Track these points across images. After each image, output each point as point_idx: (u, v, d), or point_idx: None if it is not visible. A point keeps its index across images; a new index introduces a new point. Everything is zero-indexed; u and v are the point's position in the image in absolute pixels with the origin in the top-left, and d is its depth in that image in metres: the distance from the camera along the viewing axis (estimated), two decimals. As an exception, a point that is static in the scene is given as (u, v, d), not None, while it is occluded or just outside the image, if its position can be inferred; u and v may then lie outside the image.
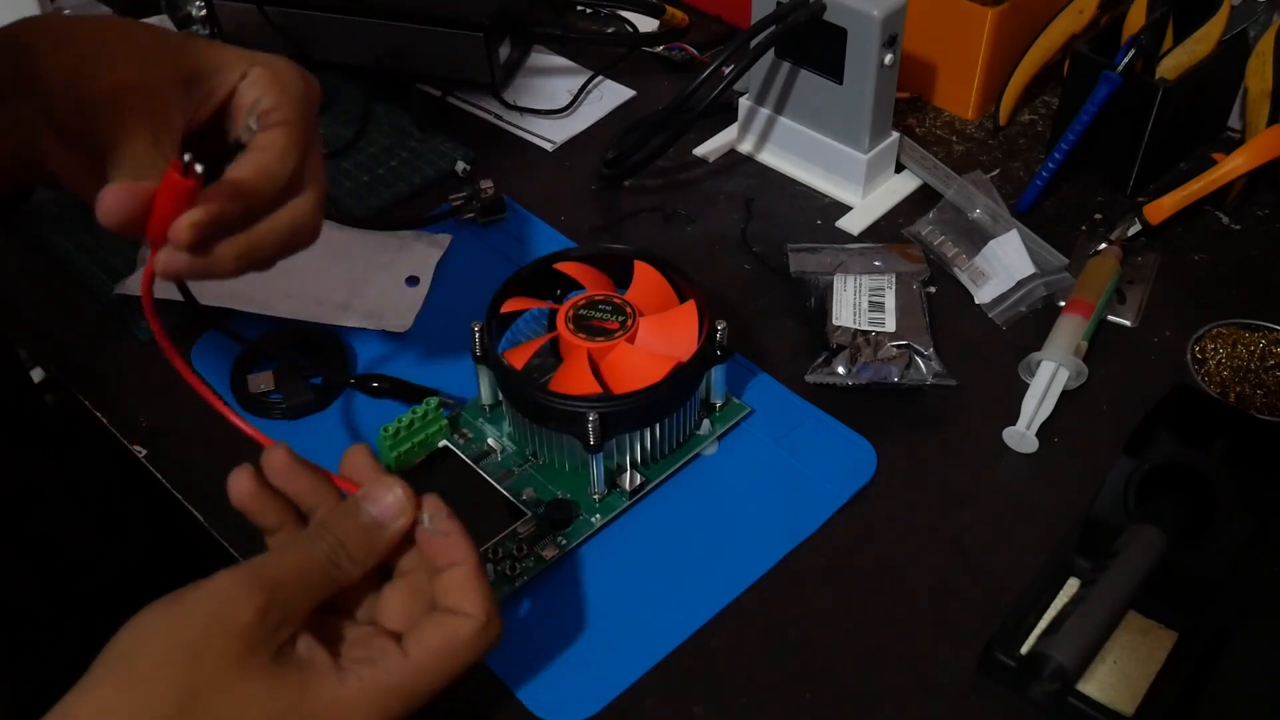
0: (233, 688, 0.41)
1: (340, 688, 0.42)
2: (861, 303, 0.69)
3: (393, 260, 0.75)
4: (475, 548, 0.47)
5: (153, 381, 0.69)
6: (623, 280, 0.66)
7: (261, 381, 0.67)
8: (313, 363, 0.68)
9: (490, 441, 0.63)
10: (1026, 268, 0.72)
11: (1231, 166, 0.75)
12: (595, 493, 0.60)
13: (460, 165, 0.83)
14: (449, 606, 0.45)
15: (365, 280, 0.73)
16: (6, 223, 0.80)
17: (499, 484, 0.61)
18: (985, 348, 0.70)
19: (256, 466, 0.48)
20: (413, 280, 0.74)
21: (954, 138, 0.87)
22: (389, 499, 0.47)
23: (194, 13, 0.96)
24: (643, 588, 0.58)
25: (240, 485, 0.47)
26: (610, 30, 0.98)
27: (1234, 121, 0.85)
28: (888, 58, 0.73)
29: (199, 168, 0.45)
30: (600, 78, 0.92)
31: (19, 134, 0.50)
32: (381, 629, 0.46)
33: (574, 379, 0.60)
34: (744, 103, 0.84)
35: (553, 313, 0.65)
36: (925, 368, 0.66)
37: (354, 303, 0.72)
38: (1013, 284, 0.72)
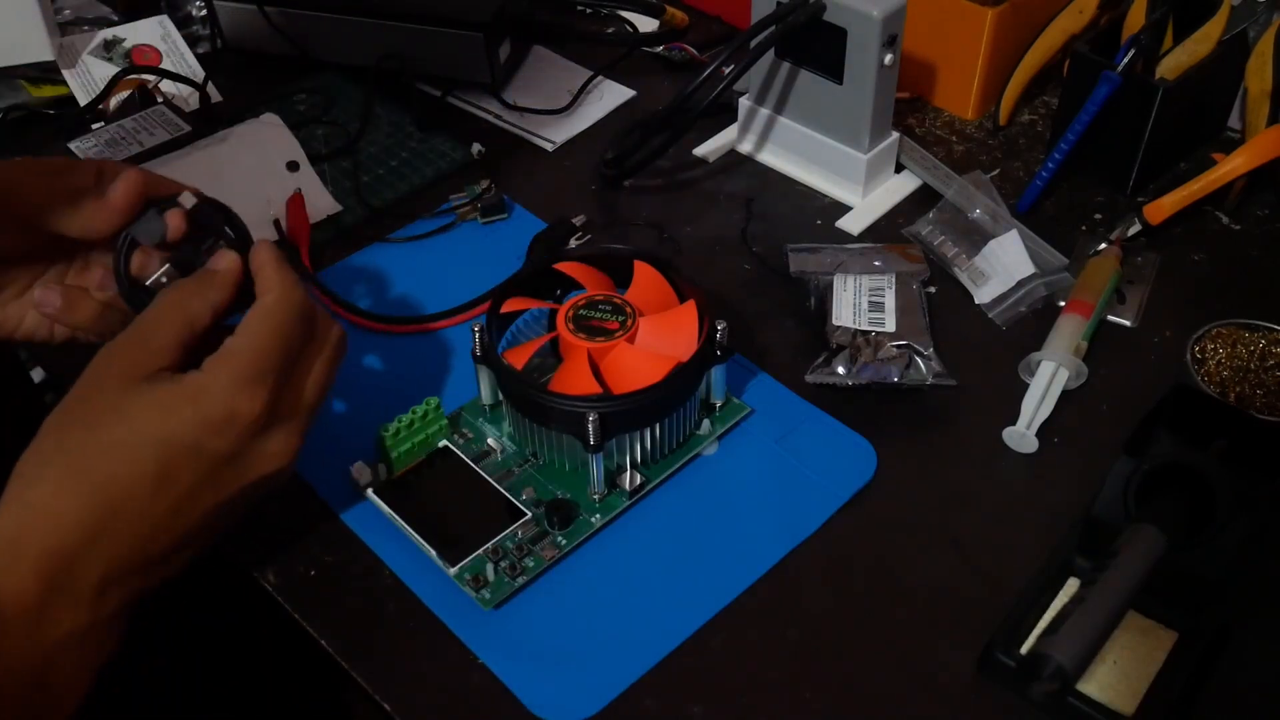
0: (116, 406, 0.49)
1: (199, 373, 0.51)
2: (861, 303, 0.69)
3: (255, 158, 0.80)
4: (279, 255, 0.56)
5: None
6: (623, 280, 0.66)
7: (164, 278, 0.58)
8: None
9: (490, 441, 0.63)
10: (1026, 268, 0.72)
11: (1231, 166, 0.75)
12: (595, 493, 0.60)
13: (476, 147, 0.83)
14: (259, 294, 0.54)
15: (252, 190, 0.76)
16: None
17: (499, 484, 0.61)
18: (985, 348, 0.70)
19: None
20: (293, 165, 0.80)
21: (954, 138, 0.87)
22: (223, 256, 0.56)
23: (194, 13, 0.96)
24: (643, 588, 0.58)
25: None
26: (610, 30, 0.98)
27: (1234, 121, 0.85)
28: (888, 58, 0.73)
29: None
30: (600, 78, 0.92)
31: None
32: None
33: (574, 379, 0.60)
34: (744, 103, 0.84)
35: (553, 313, 0.65)
36: (925, 368, 0.66)
37: (266, 214, 0.75)
38: (1013, 284, 0.72)
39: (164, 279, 0.57)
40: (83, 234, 0.57)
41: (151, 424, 0.49)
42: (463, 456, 0.62)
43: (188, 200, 0.57)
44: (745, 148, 0.86)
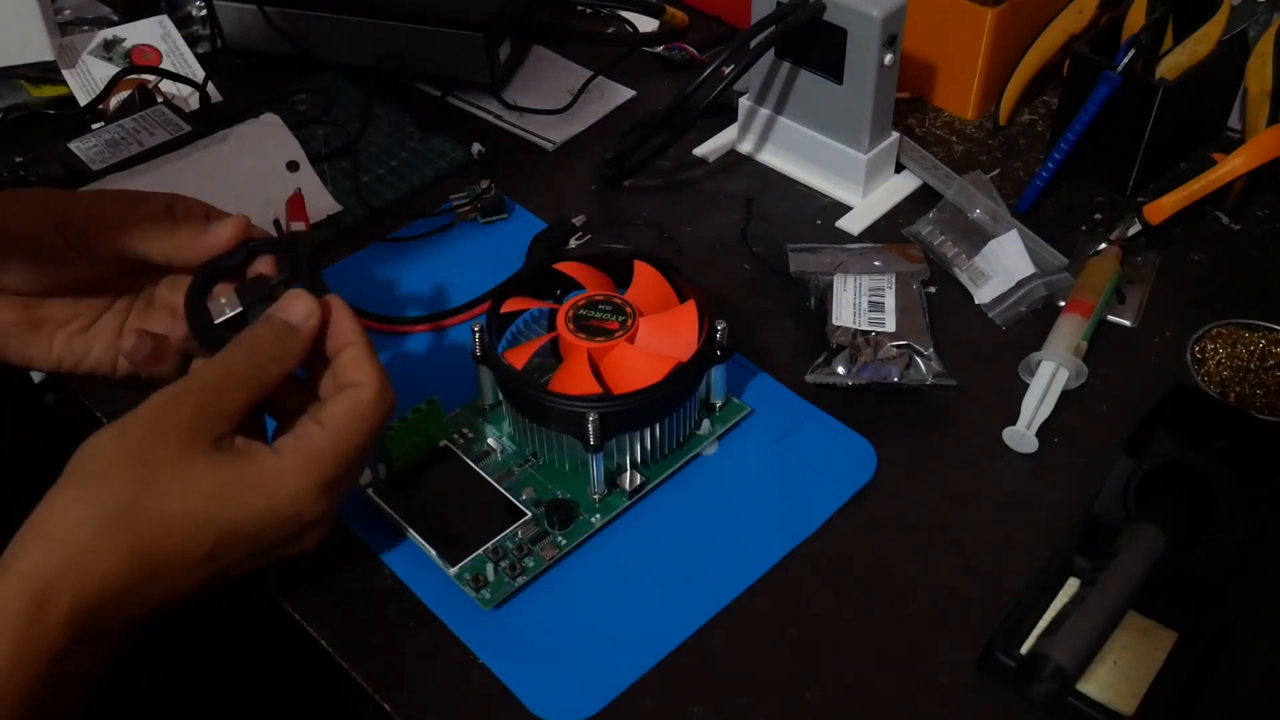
0: (181, 467, 0.47)
1: (276, 458, 0.49)
2: (861, 303, 0.69)
3: (255, 158, 0.81)
4: (362, 329, 0.53)
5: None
6: (623, 280, 0.66)
7: (226, 308, 0.56)
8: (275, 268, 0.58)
9: (490, 441, 0.63)
10: (1026, 268, 0.72)
11: (1231, 166, 0.75)
12: (595, 493, 0.60)
13: (476, 147, 0.83)
14: (348, 381, 0.52)
15: (252, 191, 0.77)
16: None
17: (499, 484, 0.61)
18: (985, 348, 0.70)
19: None
20: (293, 165, 0.80)
21: (954, 138, 0.87)
22: (298, 305, 0.53)
23: (194, 13, 0.96)
24: (643, 588, 0.58)
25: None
26: (610, 30, 0.98)
27: (1234, 121, 0.85)
28: (888, 58, 0.73)
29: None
30: (600, 78, 0.92)
31: None
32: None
33: (574, 379, 0.60)
34: (744, 103, 0.84)
35: (553, 313, 0.65)
36: (925, 368, 0.66)
37: (266, 214, 0.75)
38: (1013, 284, 0.72)
39: (227, 308, 0.55)
40: (170, 260, 0.56)
41: (215, 507, 0.48)
42: (463, 456, 0.62)
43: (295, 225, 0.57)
44: (745, 148, 0.86)
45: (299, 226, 0.57)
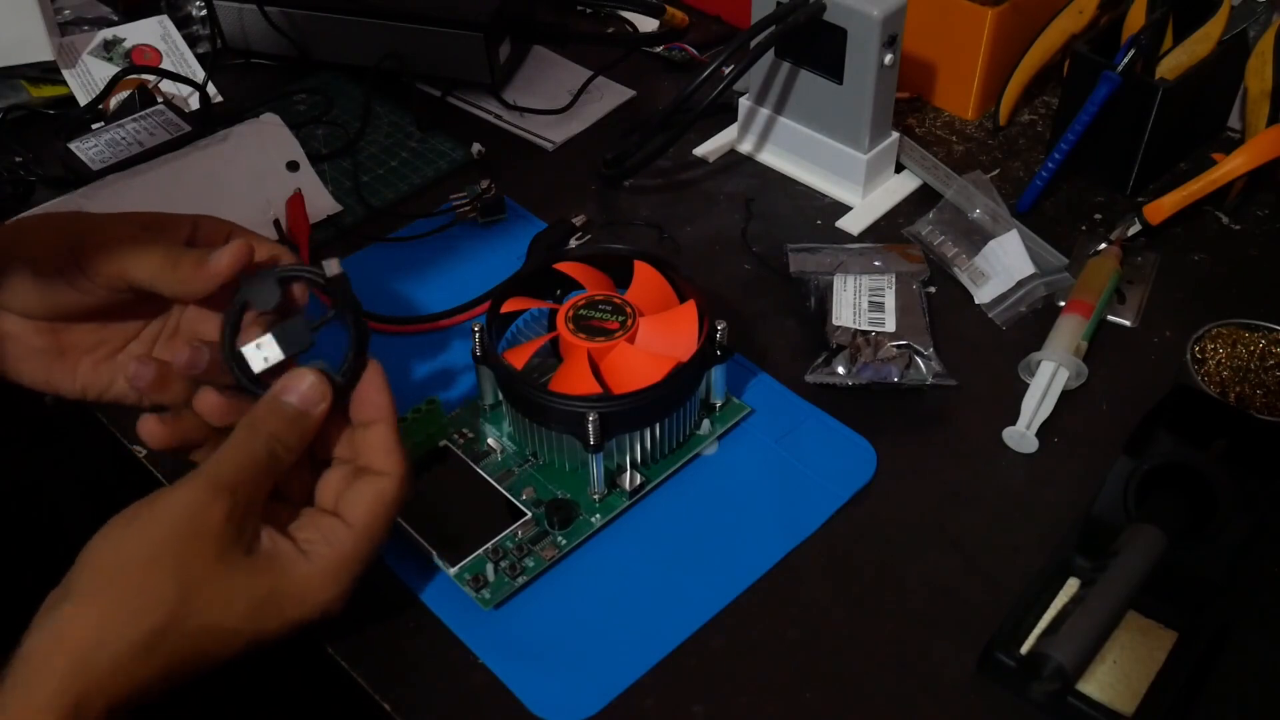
0: (218, 583, 0.47)
1: (309, 566, 0.49)
2: (861, 303, 0.69)
3: (255, 158, 0.81)
4: (394, 405, 0.52)
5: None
6: (623, 280, 0.66)
7: (264, 352, 0.54)
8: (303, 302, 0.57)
9: (490, 441, 0.63)
10: (1026, 268, 0.72)
11: (1231, 166, 0.75)
12: (595, 493, 0.60)
13: (476, 147, 0.84)
14: (369, 465, 0.52)
15: (252, 191, 0.78)
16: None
17: (499, 484, 0.61)
18: (985, 348, 0.70)
19: None
20: (293, 165, 0.81)
21: (954, 138, 0.87)
22: (306, 388, 0.52)
23: (194, 13, 0.96)
24: (643, 588, 0.58)
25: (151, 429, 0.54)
26: (610, 30, 0.98)
27: (1234, 121, 0.85)
28: (888, 58, 0.73)
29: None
30: (600, 78, 0.92)
31: None
32: (321, 509, 0.52)
33: (574, 379, 0.60)
34: (744, 103, 0.84)
35: (553, 313, 0.65)
36: (925, 368, 0.66)
37: (266, 214, 0.76)
38: (1013, 284, 0.72)
39: (264, 355, 0.54)
40: (177, 295, 0.56)
41: (251, 622, 0.48)
42: (463, 456, 0.62)
43: (332, 268, 0.54)
44: (745, 148, 0.86)
45: (334, 266, 0.54)
